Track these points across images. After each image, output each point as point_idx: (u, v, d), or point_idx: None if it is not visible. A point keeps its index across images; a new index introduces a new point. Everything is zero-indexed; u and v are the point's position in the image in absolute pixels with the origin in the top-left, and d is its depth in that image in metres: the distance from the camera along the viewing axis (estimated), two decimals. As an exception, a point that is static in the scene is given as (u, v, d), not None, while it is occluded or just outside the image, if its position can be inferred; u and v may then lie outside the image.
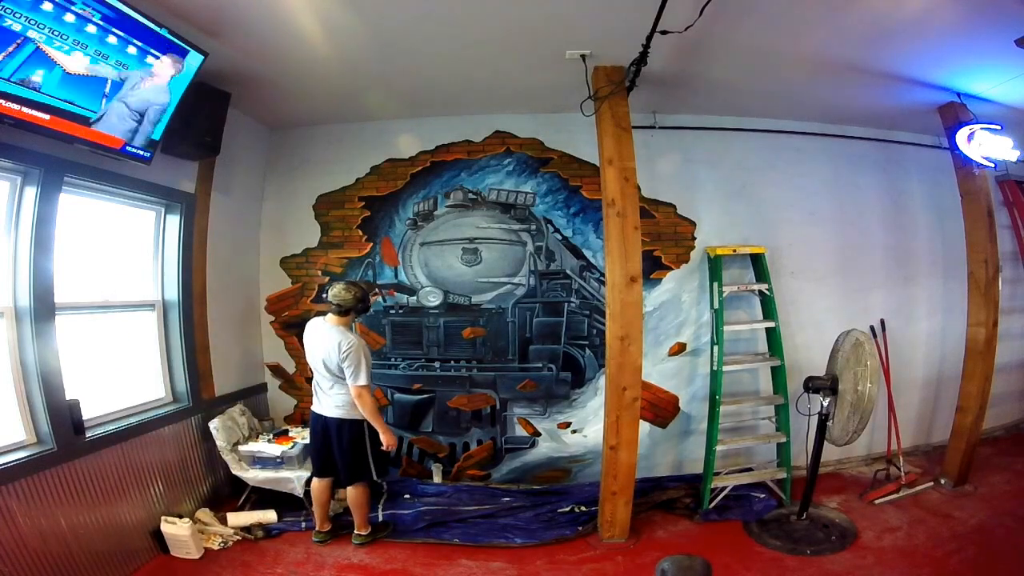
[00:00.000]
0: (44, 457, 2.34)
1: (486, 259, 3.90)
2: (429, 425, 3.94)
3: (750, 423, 3.82)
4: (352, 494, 2.98)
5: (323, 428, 2.95)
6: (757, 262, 3.74)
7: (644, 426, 3.59)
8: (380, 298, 3.97)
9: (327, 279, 4.01)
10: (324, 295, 2.94)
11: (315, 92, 3.45)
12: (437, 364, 3.94)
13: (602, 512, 3.10)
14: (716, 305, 3.60)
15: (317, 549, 3.01)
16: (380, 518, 3.33)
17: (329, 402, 2.91)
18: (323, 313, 3.02)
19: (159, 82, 2.53)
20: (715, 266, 3.66)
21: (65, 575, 2.36)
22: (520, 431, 3.92)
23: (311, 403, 3.99)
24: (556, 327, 3.86)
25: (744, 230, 3.86)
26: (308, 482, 3.17)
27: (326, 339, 2.83)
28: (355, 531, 3.06)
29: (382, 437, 2.90)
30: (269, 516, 3.21)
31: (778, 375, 3.60)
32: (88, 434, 2.59)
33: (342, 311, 2.87)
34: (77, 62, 2.15)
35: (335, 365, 2.80)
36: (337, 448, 2.91)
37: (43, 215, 2.40)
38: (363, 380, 2.78)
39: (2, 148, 2.20)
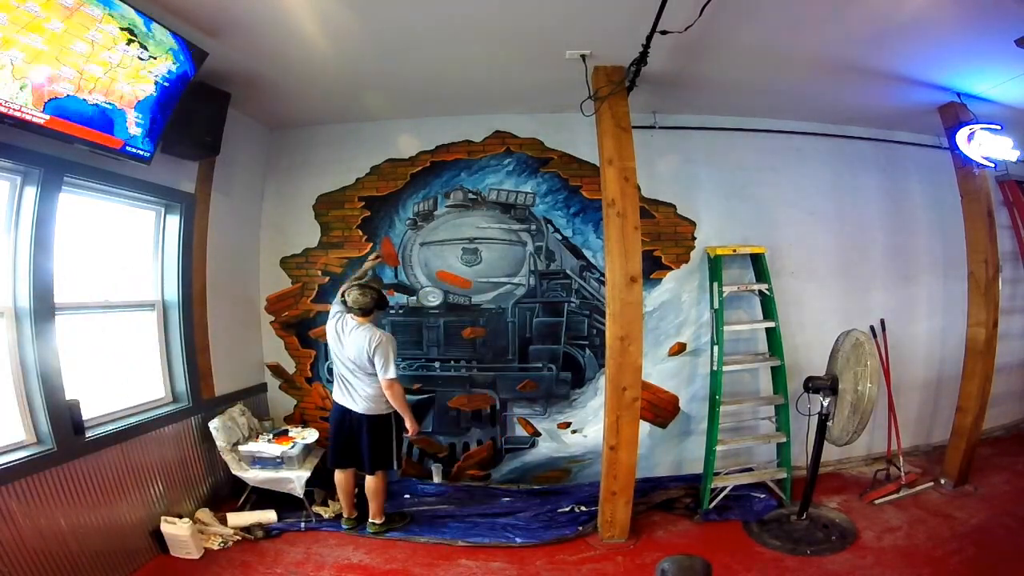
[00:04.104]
0: (44, 457, 2.34)
1: (486, 259, 3.90)
2: (429, 425, 3.94)
3: (750, 423, 3.82)
4: (372, 482, 3.10)
5: (350, 422, 3.07)
6: (757, 262, 3.74)
7: (644, 426, 3.59)
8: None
9: (327, 279, 4.01)
10: (343, 300, 3.11)
11: (315, 92, 3.45)
12: (437, 364, 3.93)
13: (602, 512, 3.10)
14: (716, 305, 3.60)
15: (317, 549, 3.01)
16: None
17: (359, 397, 3.03)
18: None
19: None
20: (715, 266, 3.65)
21: (65, 575, 2.36)
22: (520, 431, 3.92)
23: (312, 403, 4.08)
24: (556, 327, 3.86)
25: (744, 230, 3.86)
26: (312, 473, 3.26)
27: (356, 337, 2.99)
28: (370, 519, 3.17)
29: (408, 424, 3.07)
30: (269, 516, 3.21)
31: (778, 375, 3.60)
32: (88, 434, 2.58)
33: (364, 312, 3.03)
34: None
35: (365, 361, 2.95)
36: (366, 440, 3.04)
37: (43, 215, 2.40)
38: (392, 373, 2.95)
39: (2, 148, 2.20)
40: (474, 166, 3.93)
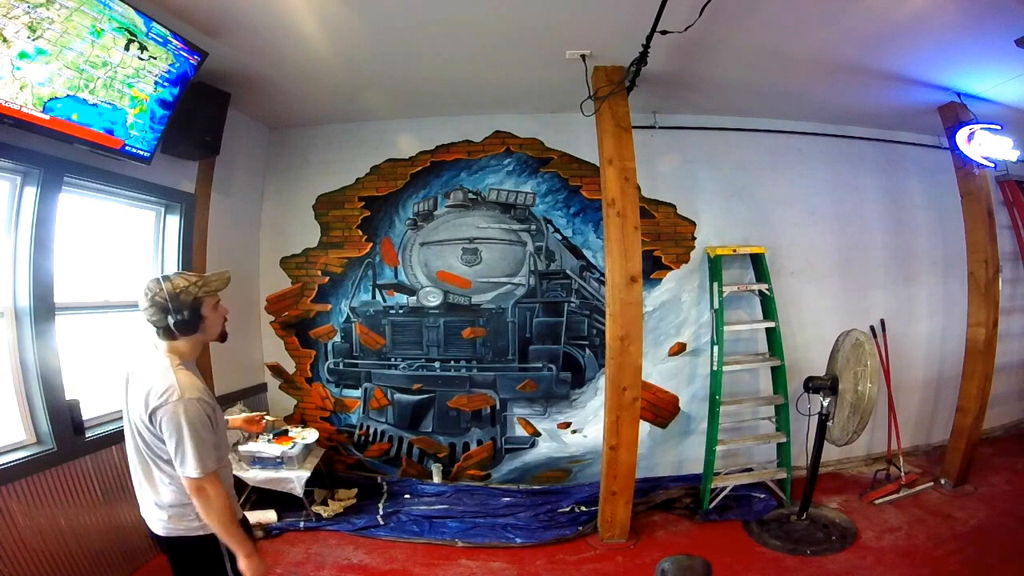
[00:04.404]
0: (44, 457, 2.34)
1: (486, 259, 3.90)
2: (429, 425, 3.94)
3: (750, 423, 3.81)
4: None
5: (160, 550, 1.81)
6: (757, 262, 3.74)
7: (644, 426, 3.59)
8: (380, 297, 3.98)
9: (327, 279, 4.01)
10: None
11: (315, 92, 3.45)
12: (437, 364, 3.93)
13: (602, 512, 3.10)
14: (716, 305, 3.60)
15: (317, 549, 3.01)
16: (380, 520, 3.33)
17: (150, 503, 1.62)
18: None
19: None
20: (715, 266, 3.65)
21: (65, 575, 2.36)
22: (520, 431, 3.92)
23: (312, 403, 4.08)
24: (556, 327, 3.86)
25: (744, 230, 3.86)
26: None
27: (140, 378, 1.57)
28: None
29: (240, 562, 1.55)
30: (269, 516, 3.21)
31: (778, 375, 3.60)
32: (88, 434, 2.58)
33: (160, 332, 1.63)
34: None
35: (147, 433, 1.53)
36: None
37: (43, 215, 2.40)
38: (194, 467, 1.45)
39: (2, 148, 2.20)
40: (474, 166, 3.93)
